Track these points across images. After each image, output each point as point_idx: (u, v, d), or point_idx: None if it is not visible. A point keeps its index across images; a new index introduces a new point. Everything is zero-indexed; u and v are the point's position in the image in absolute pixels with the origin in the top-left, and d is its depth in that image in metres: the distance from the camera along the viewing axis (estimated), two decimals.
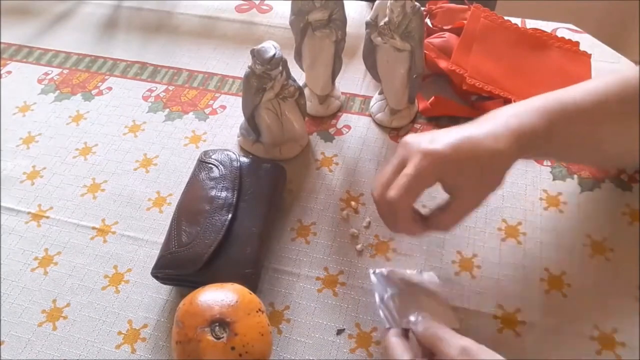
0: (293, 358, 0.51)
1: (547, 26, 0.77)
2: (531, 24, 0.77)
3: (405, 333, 0.46)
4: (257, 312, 0.46)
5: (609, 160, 0.57)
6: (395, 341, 0.44)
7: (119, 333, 0.54)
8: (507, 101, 0.67)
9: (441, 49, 0.72)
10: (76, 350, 0.53)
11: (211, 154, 0.61)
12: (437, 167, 0.46)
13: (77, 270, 0.58)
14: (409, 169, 0.46)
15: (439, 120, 0.68)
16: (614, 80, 0.51)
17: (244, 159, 0.61)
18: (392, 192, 0.46)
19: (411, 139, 0.48)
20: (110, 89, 0.77)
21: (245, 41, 0.82)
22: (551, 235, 0.57)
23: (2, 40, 0.86)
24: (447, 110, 0.69)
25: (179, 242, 0.54)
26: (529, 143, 0.47)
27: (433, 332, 0.43)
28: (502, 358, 0.41)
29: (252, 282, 0.52)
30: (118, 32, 0.86)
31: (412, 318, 0.46)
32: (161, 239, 0.56)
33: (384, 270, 0.53)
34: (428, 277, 0.53)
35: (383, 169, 0.49)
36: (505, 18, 0.75)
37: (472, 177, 0.46)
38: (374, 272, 0.53)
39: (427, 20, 0.76)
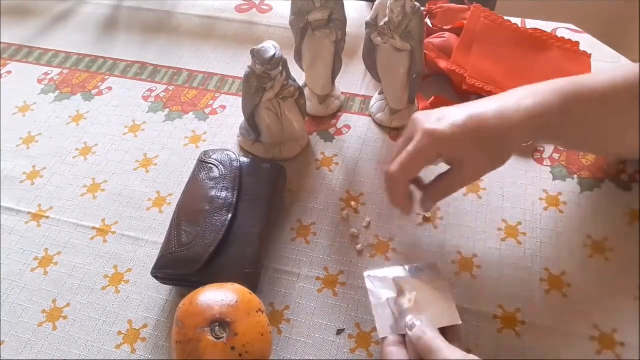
0: (293, 358, 0.51)
1: (547, 26, 0.77)
2: (531, 24, 0.77)
3: (403, 339, 0.46)
4: (257, 312, 0.46)
5: (618, 149, 0.56)
6: (391, 350, 0.44)
7: (119, 333, 0.54)
8: None
9: (441, 49, 0.72)
10: (76, 350, 0.53)
11: (211, 154, 0.61)
12: (437, 145, 0.48)
13: (77, 270, 0.58)
14: (410, 146, 0.49)
15: None
16: (632, 69, 0.50)
17: (244, 159, 0.61)
18: (392, 167, 0.49)
19: (420, 115, 0.50)
20: (110, 89, 0.77)
21: (245, 41, 0.82)
22: (551, 235, 0.57)
23: (2, 40, 0.86)
24: None
25: (179, 242, 0.54)
26: (543, 123, 0.48)
27: (425, 343, 0.43)
28: None
29: (252, 282, 0.52)
30: (118, 32, 0.86)
31: (408, 321, 0.45)
32: (161, 239, 0.56)
33: (379, 273, 0.51)
34: (428, 270, 0.51)
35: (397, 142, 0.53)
36: (505, 18, 0.75)
37: (474, 153, 0.48)
38: (368, 276, 0.51)
39: (427, 20, 0.76)
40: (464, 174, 0.50)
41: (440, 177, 0.51)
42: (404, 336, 0.46)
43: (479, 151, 0.48)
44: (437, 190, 0.52)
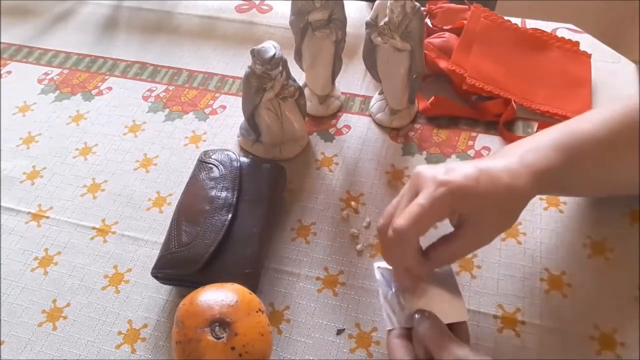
0: (293, 358, 0.51)
1: (547, 26, 0.77)
2: (531, 24, 0.77)
3: (408, 332, 0.45)
4: (257, 312, 0.46)
5: (622, 189, 0.55)
6: (396, 342, 0.44)
7: (119, 333, 0.54)
8: (507, 101, 0.67)
9: (441, 49, 0.72)
10: (76, 350, 0.53)
11: (211, 154, 0.61)
12: (453, 197, 0.43)
13: (77, 270, 0.58)
14: (421, 199, 0.43)
15: (439, 120, 0.68)
16: (627, 108, 0.50)
17: (244, 159, 0.61)
18: (401, 221, 0.43)
19: (424, 169, 0.45)
20: (110, 89, 0.77)
21: (245, 41, 0.82)
22: (551, 235, 0.57)
23: (2, 40, 0.86)
24: (447, 110, 0.69)
25: (179, 242, 0.54)
26: (546, 180, 0.46)
27: (432, 338, 0.43)
28: None
29: (252, 282, 0.52)
30: (118, 32, 0.86)
31: (416, 316, 0.45)
32: (161, 239, 0.56)
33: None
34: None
35: (392, 201, 0.47)
36: (505, 18, 0.75)
37: (490, 210, 0.44)
38: (378, 268, 0.51)
39: (427, 20, 0.76)
40: (477, 234, 0.45)
41: (447, 239, 0.46)
42: (409, 329, 0.45)
43: (495, 207, 0.44)
44: (442, 254, 0.46)
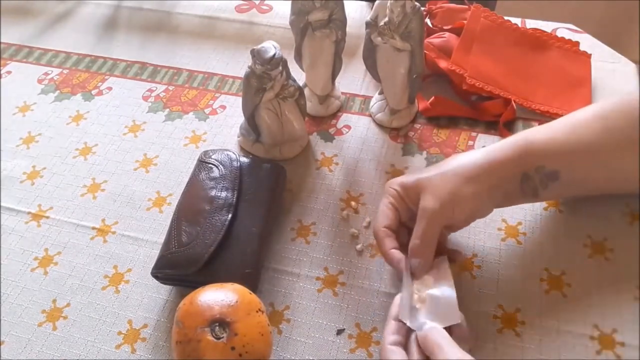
0: (293, 358, 0.51)
1: (547, 26, 0.77)
2: (531, 24, 0.77)
3: (403, 339, 0.46)
4: (257, 312, 0.46)
5: (621, 187, 0.55)
6: (392, 350, 0.45)
7: (119, 333, 0.54)
8: (507, 101, 0.67)
9: (441, 49, 0.72)
10: (76, 350, 0.53)
11: (211, 154, 0.61)
12: (399, 193, 0.52)
13: (77, 270, 0.58)
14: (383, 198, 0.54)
15: (439, 120, 0.68)
16: (622, 107, 0.51)
17: (244, 159, 0.61)
18: (374, 222, 0.53)
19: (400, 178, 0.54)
20: (110, 89, 0.77)
21: (245, 41, 0.82)
22: (551, 235, 0.57)
23: (2, 40, 0.86)
24: (447, 110, 0.69)
25: (179, 242, 0.54)
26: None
27: (429, 341, 0.43)
28: None
29: (252, 282, 0.52)
30: (118, 32, 0.86)
31: (421, 322, 0.46)
32: (161, 239, 0.56)
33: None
34: (437, 265, 0.51)
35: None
36: (505, 18, 0.75)
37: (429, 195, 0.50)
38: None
39: (427, 20, 0.76)
40: (422, 217, 0.50)
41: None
42: (405, 335, 0.46)
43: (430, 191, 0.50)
44: (411, 243, 0.51)
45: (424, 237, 0.49)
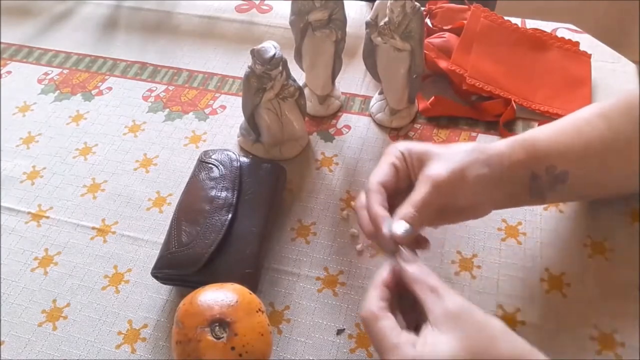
0: (293, 358, 0.51)
1: (547, 26, 0.77)
2: (531, 24, 0.77)
3: (389, 298, 0.42)
4: (257, 312, 0.46)
5: (624, 189, 0.55)
6: (380, 315, 0.40)
7: (119, 333, 0.54)
8: (507, 101, 0.67)
9: (441, 49, 0.72)
10: (76, 350, 0.53)
11: (211, 154, 0.61)
12: (401, 149, 0.49)
13: (77, 270, 0.58)
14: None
15: (439, 120, 0.68)
16: (625, 106, 0.50)
17: (244, 159, 0.61)
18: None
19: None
20: (110, 89, 0.77)
21: (245, 41, 0.82)
22: (551, 235, 0.57)
23: (2, 40, 0.86)
24: (447, 110, 0.69)
25: (179, 242, 0.54)
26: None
27: (423, 283, 0.40)
28: (496, 320, 0.39)
29: (252, 282, 0.52)
30: (118, 32, 0.86)
31: (405, 253, 0.42)
32: (161, 239, 0.56)
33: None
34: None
35: None
36: (505, 18, 0.75)
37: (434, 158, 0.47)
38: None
39: (427, 20, 0.76)
40: (423, 181, 0.46)
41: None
42: (391, 304, 0.42)
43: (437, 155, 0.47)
44: (404, 207, 0.46)
45: (421, 206, 0.44)
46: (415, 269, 0.42)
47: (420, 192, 0.45)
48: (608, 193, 0.55)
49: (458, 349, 0.37)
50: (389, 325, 0.39)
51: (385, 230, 0.44)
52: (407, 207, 0.44)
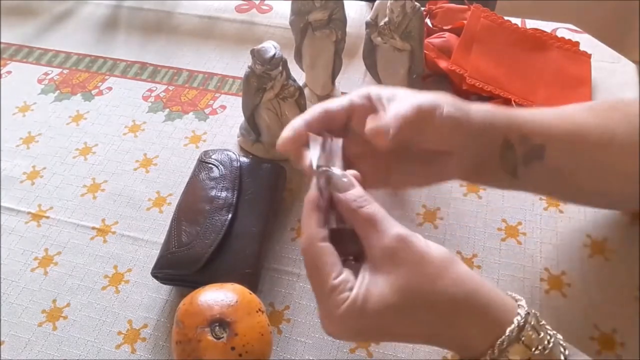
0: (293, 358, 0.51)
1: (547, 26, 0.77)
2: (531, 24, 0.77)
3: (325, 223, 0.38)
4: (257, 312, 0.46)
5: (611, 193, 0.49)
6: (322, 248, 0.36)
7: (119, 333, 0.54)
8: (507, 101, 0.67)
9: (441, 49, 0.72)
10: (76, 350, 0.53)
11: (211, 154, 0.61)
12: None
13: (77, 270, 0.58)
14: None
15: None
16: (616, 105, 0.48)
17: (244, 159, 0.61)
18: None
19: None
20: (110, 89, 0.77)
21: (245, 41, 0.82)
22: (551, 235, 0.57)
23: (2, 40, 0.86)
24: None
25: (179, 242, 0.54)
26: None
27: (358, 214, 0.36)
28: (439, 251, 0.36)
29: (252, 282, 0.52)
30: (118, 32, 0.86)
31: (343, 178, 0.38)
32: (161, 239, 0.56)
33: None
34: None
35: None
36: (505, 18, 0.75)
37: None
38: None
39: (427, 20, 0.76)
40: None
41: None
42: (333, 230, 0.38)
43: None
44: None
45: (398, 116, 0.39)
46: (348, 197, 0.37)
47: (396, 106, 0.40)
48: (585, 190, 0.48)
49: (392, 292, 0.34)
50: (330, 262, 0.36)
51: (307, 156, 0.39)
52: (384, 120, 0.39)
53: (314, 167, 0.39)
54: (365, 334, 0.36)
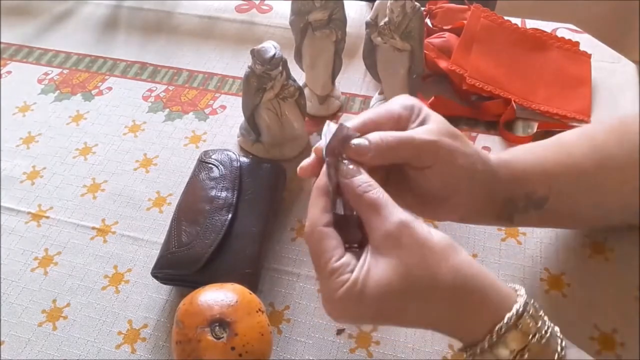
0: (293, 358, 0.51)
1: (547, 26, 0.77)
2: (531, 24, 0.77)
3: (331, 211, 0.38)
4: (257, 312, 0.46)
5: (610, 217, 0.51)
6: (325, 231, 0.37)
7: (119, 333, 0.54)
8: (507, 101, 0.67)
9: (441, 49, 0.72)
10: (76, 350, 0.53)
11: (211, 154, 0.61)
12: None
13: (77, 270, 0.58)
14: None
15: None
16: (611, 128, 0.48)
17: (244, 159, 0.61)
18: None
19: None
20: (110, 89, 0.77)
21: (245, 41, 0.82)
22: (551, 235, 0.57)
23: (2, 40, 0.86)
24: (447, 110, 0.68)
25: (179, 242, 0.54)
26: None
27: (362, 200, 0.36)
28: (441, 236, 0.36)
29: (252, 282, 0.52)
30: (118, 32, 0.86)
31: (350, 166, 0.38)
32: (161, 239, 0.56)
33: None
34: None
35: None
36: (505, 18, 0.75)
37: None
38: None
39: (427, 20, 0.76)
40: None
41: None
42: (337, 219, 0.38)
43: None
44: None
45: (381, 143, 0.39)
46: (354, 182, 0.37)
47: (381, 135, 0.39)
48: (582, 223, 0.52)
49: (392, 276, 0.34)
50: (331, 245, 0.36)
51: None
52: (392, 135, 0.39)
53: (324, 153, 0.39)
54: (364, 317, 0.36)
